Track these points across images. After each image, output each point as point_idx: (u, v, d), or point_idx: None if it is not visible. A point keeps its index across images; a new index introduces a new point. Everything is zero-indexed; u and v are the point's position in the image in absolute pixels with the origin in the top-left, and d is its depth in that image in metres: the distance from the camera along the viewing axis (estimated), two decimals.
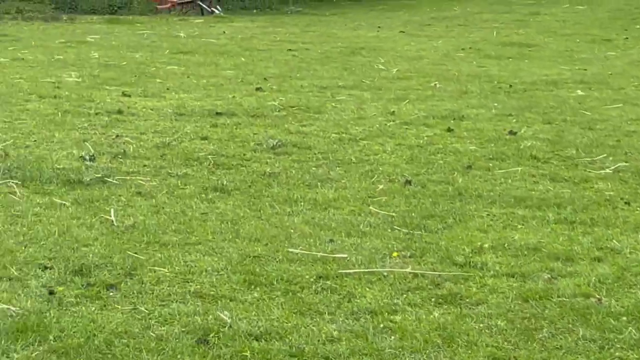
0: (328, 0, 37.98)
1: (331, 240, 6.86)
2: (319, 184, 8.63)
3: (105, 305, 5.51)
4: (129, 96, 13.13)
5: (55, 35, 22.40)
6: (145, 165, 9.10)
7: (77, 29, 24.60)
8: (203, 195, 8.10)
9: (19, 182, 8.21)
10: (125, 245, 6.58)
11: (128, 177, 8.59)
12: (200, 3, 30.01)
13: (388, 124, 11.49)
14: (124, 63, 16.88)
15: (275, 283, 5.94)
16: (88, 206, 7.61)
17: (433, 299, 5.77)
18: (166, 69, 16.37)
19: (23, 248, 6.42)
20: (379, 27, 26.09)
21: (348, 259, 6.43)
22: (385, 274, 6.17)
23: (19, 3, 29.28)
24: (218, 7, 30.37)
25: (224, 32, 23.99)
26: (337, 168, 9.25)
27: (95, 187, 8.23)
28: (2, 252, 6.31)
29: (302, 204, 7.93)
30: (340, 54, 19.35)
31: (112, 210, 7.36)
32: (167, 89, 13.96)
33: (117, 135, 10.42)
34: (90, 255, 6.29)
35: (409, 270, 6.20)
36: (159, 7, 29.95)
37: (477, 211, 7.83)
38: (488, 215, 7.73)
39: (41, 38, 21.49)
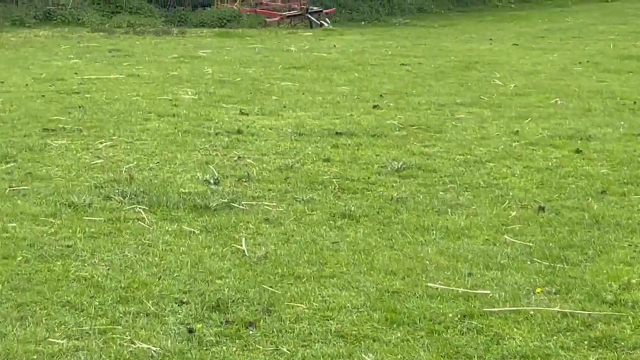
0: (435, 11, 37.69)
1: (470, 274, 6.60)
2: (448, 210, 8.38)
3: (246, 345, 5.35)
4: (247, 114, 13.05)
5: (168, 49, 22.54)
6: (270, 190, 8.95)
7: (188, 42, 24.73)
8: (331, 222, 7.92)
9: (146, 208, 8.13)
10: (259, 277, 6.42)
11: (254, 202, 8.45)
12: (309, 16, 29.98)
13: (513, 145, 11.17)
14: (239, 79, 16.84)
15: (418, 322, 5.71)
16: (217, 234, 7.47)
17: (586, 342, 5.48)
18: (280, 85, 16.27)
19: (157, 280, 6.31)
20: (491, 39, 25.71)
21: (490, 295, 6.17)
22: (531, 312, 5.88)
23: (130, 17, 29.60)
24: (327, 19, 30.30)
25: (335, 45, 23.87)
26: (466, 193, 8.99)
27: (222, 213, 8.10)
28: (137, 284, 6.19)
29: (433, 232, 7.69)
30: (454, 68, 19.05)
31: (242, 240, 7.21)
32: (284, 106, 13.85)
33: (239, 157, 10.32)
34: (226, 290, 6.14)
35: (557, 309, 5.91)
36: (267, 20, 30.00)
37: (617, 241, 7.49)
38: (630, 245, 7.39)
39: (154, 53, 21.62)
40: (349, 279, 6.47)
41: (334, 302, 6.02)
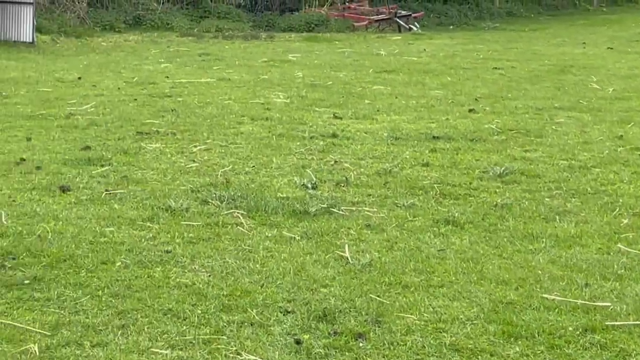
0: (525, 15, 37.11)
1: (586, 285, 6.26)
2: (556, 217, 8.03)
3: (357, 358, 5.09)
4: (341, 118, 12.81)
5: (257, 53, 22.43)
6: (369, 195, 8.69)
7: (277, 47, 24.60)
8: (435, 229, 7.63)
9: (245, 213, 7.92)
10: (365, 286, 6.16)
11: (354, 208, 8.19)
12: (398, 20, 29.68)
13: (618, 150, 10.77)
14: (330, 83, 16.62)
15: (536, 335, 5.40)
16: (318, 240, 7.23)
17: None
18: (372, 89, 16.02)
19: (260, 288, 6.08)
20: (584, 43, 25.18)
21: (611, 307, 5.82)
22: None
23: (218, 21, 29.58)
24: (416, 23, 29.96)
25: (425, 49, 23.55)
26: (573, 199, 8.63)
27: (322, 218, 7.86)
28: (239, 292, 5.97)
29: (543, 240, 7.35)
30: (549, 72, 18.61)
31: (346, 247, 6.95)
32: (378, 110, 13.59)
33: (336, 161, 10.08)
34: (332, 299, 5.88)
35: None
36: (356, 24, 29.77)
37: None
38: None
39: (244, 57, 21.52)
40: (458, 288, 6.18)
41: (445, 313, 5.73)
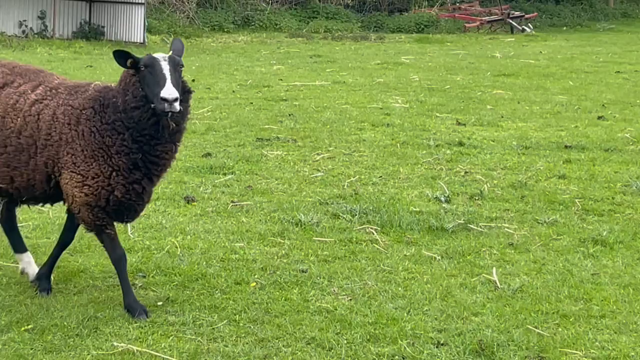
0: None
1: None
2: None
3: None
4: (464, 125, 12.32)
5: (369, 55, 22.03)
6: (506, 210, 8.20)
7: (388, 48, 24.18)
8: (583, 249, 7.11)
9: (378, 228, 7.50)
10: (519, 315, 5.69)
11: (492, 224, 7.72)
12: (510, 21, 28.99)
13: None
14: (447, 87, 16.13)
15: None
16: (460, 260, 6.77)
17: None
18: (492, 93, 15.48)
19: (406, 315, 5.65)
20: None
21: None
22: None
23: (326, 22, 29.30)
24: (529, 24, 29.23)
25: (541, 52, 22.88)
26: None
27: (460, 235, 7.40)
28: (385, 320, 5.55)
29: None
30: None
31: (493, 270, 6.47)
32: (502, 116, 13.06)
33: (466, 172, 9.61)
34: (486, 329, 5.42)
35: None
36: (467, 25, 29.17)
37: None
38: None
39: (355, 59, 21.14)
40: (622, 319, 5.67)
41: (614, 349, 5.23)
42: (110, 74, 17.54)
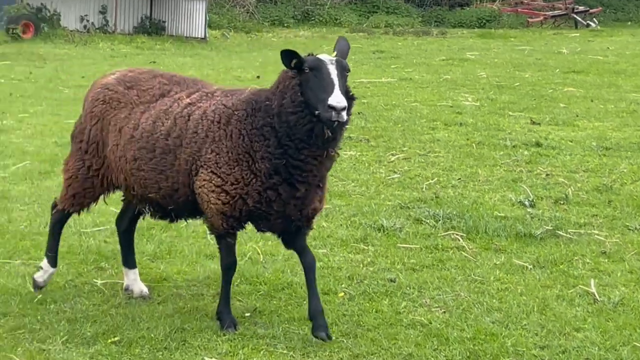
0: None
1: None
2: None
3: None
4: (538, 124, 12.01)
5: (432, 51, 21.74)
6: (594, 215, 7.90)
7: (451, 44, 23.86)
8: None
9: (464, 234, 7.25)
10: (624, 331, 5.41)
11: (581, 231, 7.42)
12: (575, 16, 28.51)
13: None
14: (517, 84, 15.79)
15: None
16: (553, 270, 6.50)
17: None
18: (564, 91, 15.11)
19: (505, 330, 5.40)
20: None
21: None
22: None
23: (387, 17, 29.02)
24: (594, 19, 28.73)
25: (608, 47, 22.42)
26: None
27: (550, 242, 7.12)
28: (483, 335, 5.30)
29: None
30: None
31: (591, 282, 6.18)
32: (577, 115, 12.71)
33: (547, 174, 9.31)
34: (592, 347, 5.15)
35: None
36: (530, 20, 28.74)
37: None
38: None
39: (419, 54, 20.86)
40: None
41: None
42: (173, 69, 17.44)
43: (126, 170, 5.40)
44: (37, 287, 5.77)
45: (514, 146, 10.60)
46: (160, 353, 4.97)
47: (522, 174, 9.35)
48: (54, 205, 5.89)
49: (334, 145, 5.00)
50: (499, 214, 7.81)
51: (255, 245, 6.80)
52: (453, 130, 11.58)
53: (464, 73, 17.26)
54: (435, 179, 9.06)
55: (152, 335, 5.16)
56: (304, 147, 4.92)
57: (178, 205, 5.32)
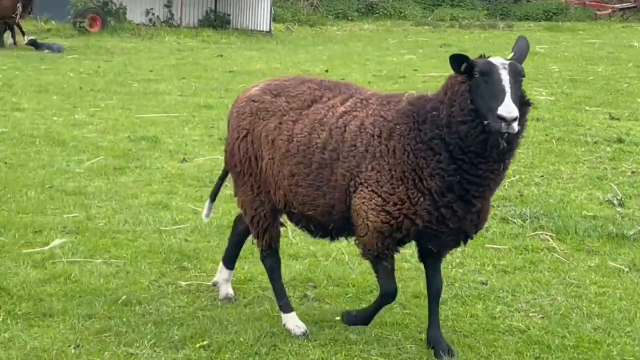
0: None
1: None
2: None
3: None
4: (618, 119, 11.70)
5: (500, 44, 21.39)
6: None
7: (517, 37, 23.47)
8: None
9: (553, 235, 7.00)
10: None
11: None
12: None
13: None
14: (591, 78, 15.45)
15: None
16: None
17: None
18: (639, 85, 14.75)
19: (608, 337, 5.14)
20: None
21: None
22: None
23: (452, 10, 28.70)
24: None
25: None
26: None
27: None
28: (586, 343, 5.06)
29: None
30: None
31: None
32: None
33: (633, 172, 9.03)
34: None
35: None
36: (598, 12, 28.25)
37: None
38: None
39: (487, 48, 20.47)
40: None
41: None
42: (241, 63, 17.34)
43: (284, 187, 5.05)
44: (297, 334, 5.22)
45: (595, 142, 10.32)
46: (251, 358, 4.80)
47: (606, 171, 9.08)
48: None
49: (510, 155, 4.59)
50: (588, 214, 7.55)
51: (340, 245, 6.60)
52: (530, 125, 11.25)
53: (535, 67, 16.92)
54: (517, 176, 8.81)
55: (242, 339, 4.99)
56: (480, 162, 4.49)
57: (336, 223, 4.97)
